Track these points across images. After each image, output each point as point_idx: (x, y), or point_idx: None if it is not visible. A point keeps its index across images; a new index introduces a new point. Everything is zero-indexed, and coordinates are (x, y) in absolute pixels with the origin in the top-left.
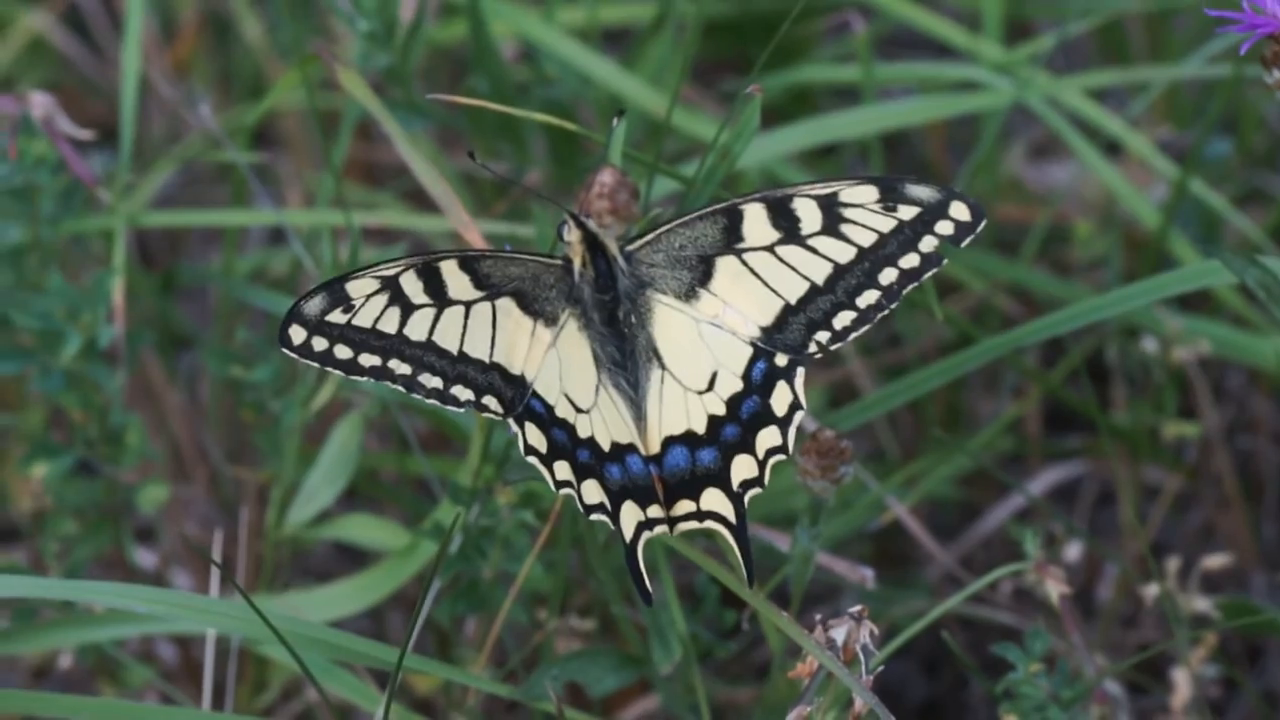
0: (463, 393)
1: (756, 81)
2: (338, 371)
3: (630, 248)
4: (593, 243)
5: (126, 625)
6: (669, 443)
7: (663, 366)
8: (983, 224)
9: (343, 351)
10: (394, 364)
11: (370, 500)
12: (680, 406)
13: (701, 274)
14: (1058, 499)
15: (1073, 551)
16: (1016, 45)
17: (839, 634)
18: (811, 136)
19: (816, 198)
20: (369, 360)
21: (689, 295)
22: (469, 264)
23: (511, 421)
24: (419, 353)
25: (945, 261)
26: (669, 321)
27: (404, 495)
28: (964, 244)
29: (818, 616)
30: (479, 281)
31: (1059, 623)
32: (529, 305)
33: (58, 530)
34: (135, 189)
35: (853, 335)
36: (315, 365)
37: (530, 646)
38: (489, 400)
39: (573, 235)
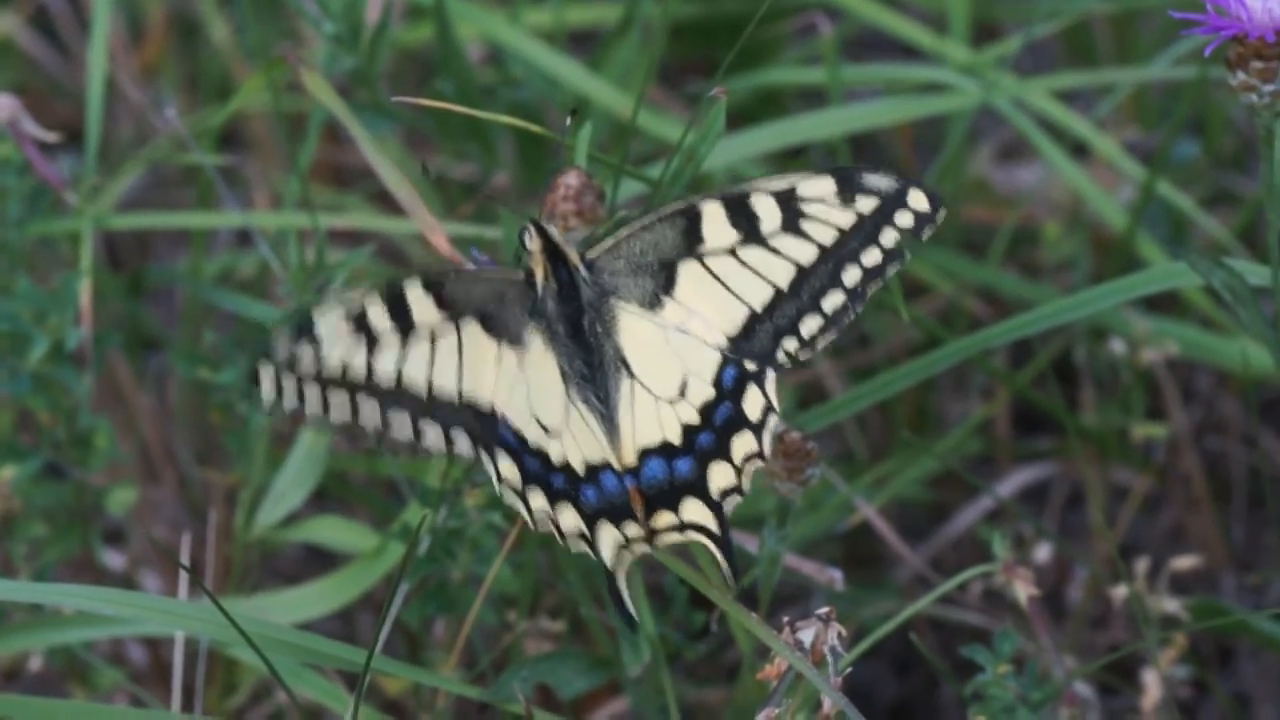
0: (432, 428)
1: (722, 83)
2: (307, 413)
3: (591, 255)
4: (554, 252)
5: (95, 628)
6: (644, 454)
7: (632, 376)
8: (941, 213)
9: (312, 392)
10: (362, 401)
11: (339, 502)
12: (653, 417)
13: (664, 280)
14: (1027, 500)
15: (1042, 553)
16: (983, 47)
17: (807, 635)
18: (778, 138)
19: (775, 193)
20: (338, 399)
21: (653, 303)
22: (431, 285)
23: (483, 456)
24: (386, 390)
25: (908, 257)
26: (635, 330)
27: (373, 497)
28: (925, 235)
29: (785, 618)
30: (443, 303)
31: (1028, 624)
32: (493, 327)
33: (26, 533)
34: (102, 191)
35: (821, 342)
36: (286, 414)
37: (500, 648)
38: (459, 437)
39: (534, 244)
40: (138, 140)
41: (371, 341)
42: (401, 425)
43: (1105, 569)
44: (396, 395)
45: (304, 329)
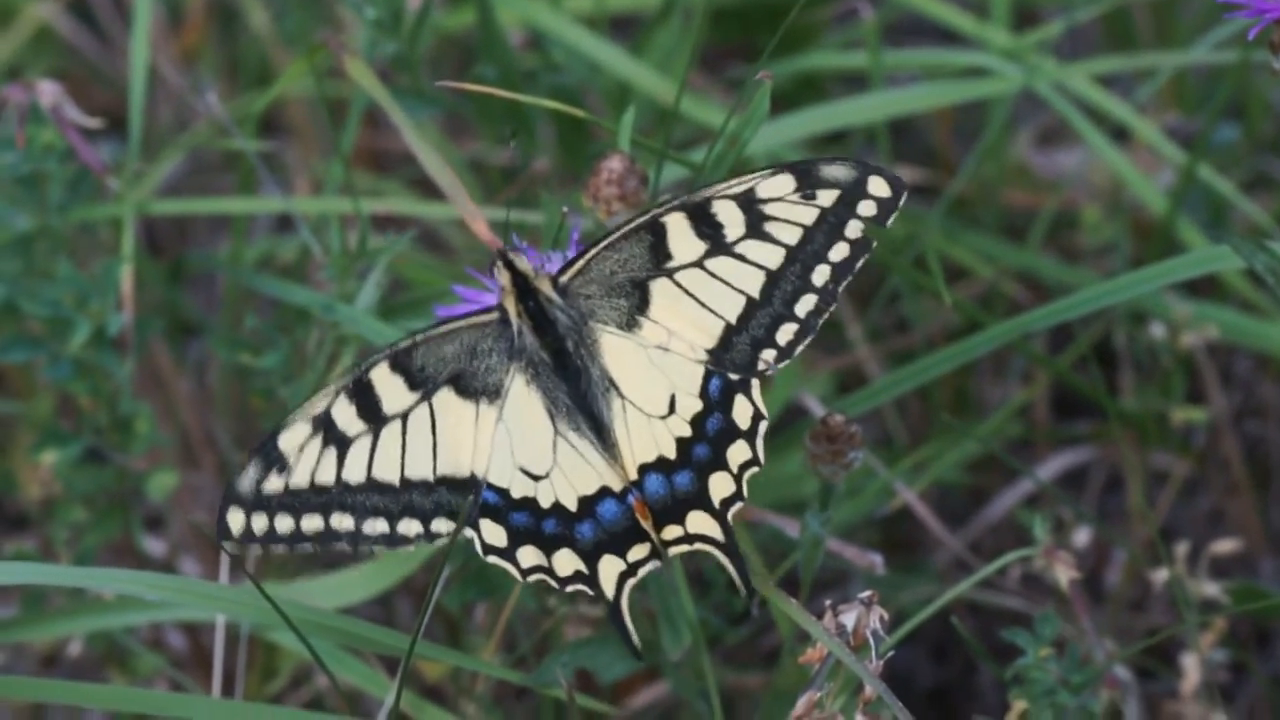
0: (411, 526)
1: (764, 68)
2: (281, 547)
3: (563, 279)
4: (524, 285)
5: (136, 612)
6: (644, 470)
7: (621, 396)
8: (904, 197)
9: (284, 523)
10: (336, 519)
11: None
12: (646, 433)
13: (639, 301)
14: (1066, 484)
15: (1081, 537)
16: (1024, 32)
17: (849, 619)
18: (819, 123)
19: (735, 197)
20: (311, 524)
21: (631, 324)
22: (400, 362)
23: (466, 530)
24: (360, 497)
25: (875, 245)
26: (617, 350)
27: None
28: (889, 222)
29: (827, 602)
30: (413, 380)
31: (1068, 608)
32: (468, 387)
33: (67, 517)
34: (143, 177)
35: (799, 348)
36: (258, 548)
37: (540, 633)
38: (439, 524)
39: (502, 278)
40: (177, 126)
41: (342, 446)
42: (378, 530)
43: (1144, 553)
44: (370, 501)
45: (269, 454)
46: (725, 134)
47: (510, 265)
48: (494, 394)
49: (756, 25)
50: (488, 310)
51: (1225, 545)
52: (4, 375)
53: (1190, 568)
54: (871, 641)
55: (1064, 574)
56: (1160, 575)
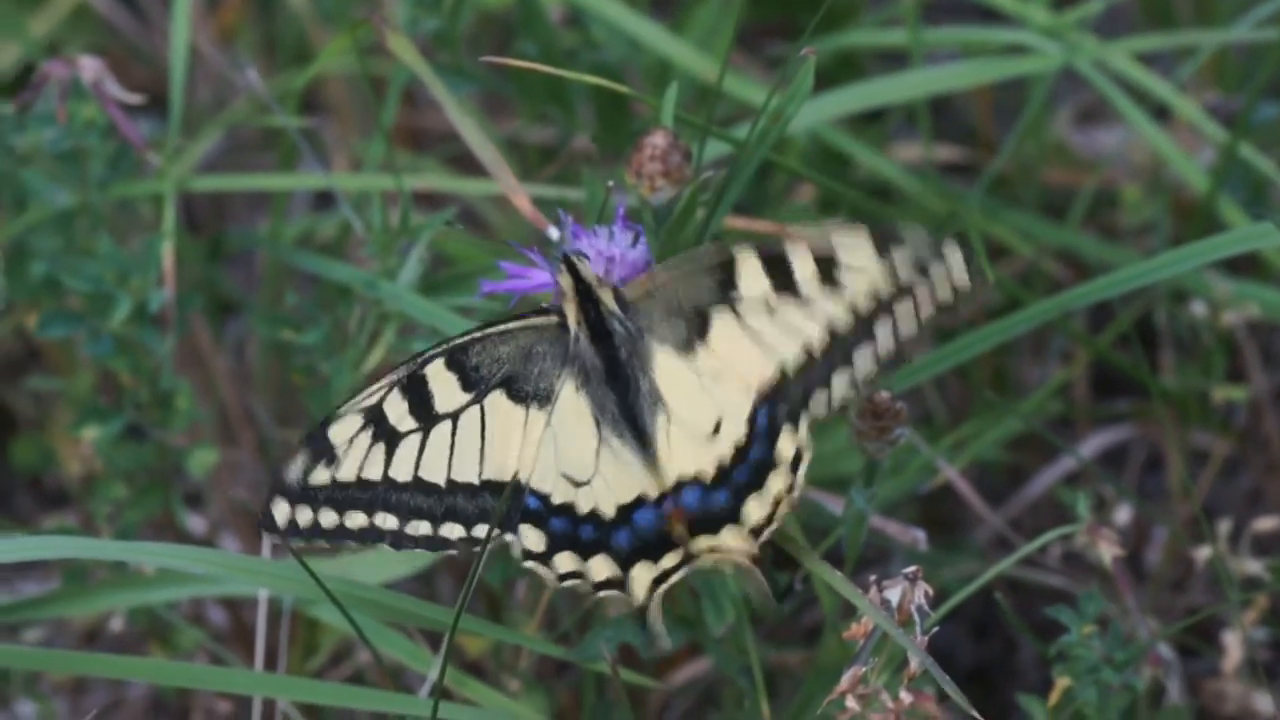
0: (453, 530)
1: (805, 45)
2: (324, 542)
3: (630, 294)
4: (586, 292)
5: (178, 587)
6: (681, 483)
7: (668, 411)
8: (976, 274)
9: (328, 517)
10: (380, 518)
11: None
12: (688, 450)
13: (698, 327)
14: (1106, 463)
15: (1122, 515)
16: (1064, 9)
17: (894, 594)
18: (858, 101)
19: (811, 247)
20: (355, 521)
21: (687, 348)
22: (456, 359)
23: (507, 536)
24: (405, 497)
25: (942, 318)
26: (670, 369)
27: None
28: (961, 300)
29: (872, 577)
30: (467, 380)
31: (1109, 585)
32: (520, 391)
33: (108, 494)
34: (183, 153)
35: (850, 399)
36: (301, 543)
37: (582, 609)
38: (481, 530)
39: (565, 281)
40: (215, 104)
41: (391, 442)
42: (421, 532)
43: (1185, 531)
44: (415, 502)
45: (318, 445)
46: (768, 110)
47: (574, 271)
48: (545, 399)
49: (795, 3)
50: (545, 313)
51: (1266, 523)
52: (44, 351)
53: (1232, 546)
54: (916, 617)
55: (1107, 551)
56: (1202, 553)
